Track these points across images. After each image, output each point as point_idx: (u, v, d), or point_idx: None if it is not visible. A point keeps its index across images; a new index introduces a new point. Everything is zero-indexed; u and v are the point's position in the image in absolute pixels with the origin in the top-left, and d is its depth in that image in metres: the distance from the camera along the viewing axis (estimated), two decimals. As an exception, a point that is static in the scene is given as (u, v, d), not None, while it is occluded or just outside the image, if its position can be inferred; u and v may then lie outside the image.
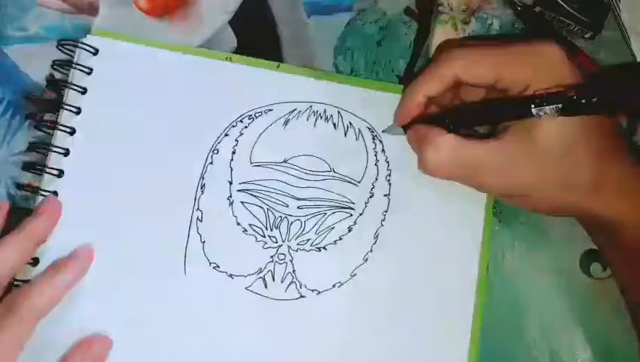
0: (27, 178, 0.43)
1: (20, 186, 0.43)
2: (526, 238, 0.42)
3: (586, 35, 0.44)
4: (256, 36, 0.46)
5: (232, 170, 0.42)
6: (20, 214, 0.41)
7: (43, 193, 0.41)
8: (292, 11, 0.46)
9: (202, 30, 0.45)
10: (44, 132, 0.43)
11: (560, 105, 0.33)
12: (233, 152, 0.42)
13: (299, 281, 0.40)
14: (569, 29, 0.45)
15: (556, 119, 0.34)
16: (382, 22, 0.46)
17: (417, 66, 0.45)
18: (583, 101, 0.33)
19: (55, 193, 0.42)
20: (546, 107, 0.33)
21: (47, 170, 0.42)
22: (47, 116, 0.44)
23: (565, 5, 0.44)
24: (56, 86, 0.43)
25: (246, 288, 0.40)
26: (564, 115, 0.33)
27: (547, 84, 0.34)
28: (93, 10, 0.46)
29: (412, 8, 0.46)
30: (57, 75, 0.44)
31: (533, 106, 0.34)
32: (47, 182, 0.42)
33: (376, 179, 0.42)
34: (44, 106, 0.44)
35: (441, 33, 0.45)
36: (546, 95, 0.34)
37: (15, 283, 0.40)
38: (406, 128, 0.39)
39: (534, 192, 0.36)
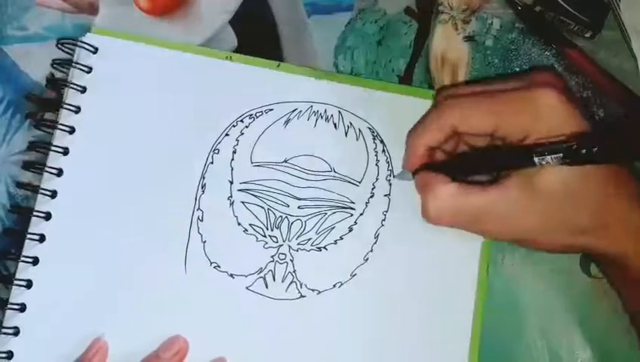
0: (27, 177, 0.43)
1: (19, 185, 0.43)
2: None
3: (586, 35, 0.44)
4: (256, 36, 0.46)
5: (232, 169, 0.42)
6: (20, 213, 0.42)
7: (43, 192, 0.41)
8: (292, 11, 0.46)
9: (202, 30, 0.45)
10: (44, 131, 0.43)
11: (561, 155, 0.33)
12: (234, 152, 0.42)
13: (299, 281, 0.40)
14: (569, 28, 0.45)
15: (558, 166, 0.33)
16: (382, 21, 0.46)
17: (417, 66, 0.45)
18: (584, 151, 0.32)
19: (54, 192, 0.42)
20: (547, 157, 0.33)
21: (47, 169, 0.42)
22: (48, 115, 0.44)
23: (565, 5, 0.44)
24: (56, 85, 0.43)
25: (247, 288, 0.40)
26: (566, 164, 0.33)
27: (547, 132, 0.34)
28: (93, 10, 0.46)
29: (412, 8, 0.46)
30: (57, 74, 0.44)
31: (534, 156, 0.33)
32: (47, 181, 0.42)
33: (377, 179, 0.42)
34: (44, 106, 0.44)
35: (441, 33, 0.45)
36: (547, 144, 0.33)
37: (15, 282, 0.40)
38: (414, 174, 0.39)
39: (540, 236, 0.36)
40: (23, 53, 0.46)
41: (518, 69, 0.44)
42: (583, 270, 0.41)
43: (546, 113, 0.34)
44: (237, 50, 0.45)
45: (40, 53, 0.45)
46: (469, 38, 0.45)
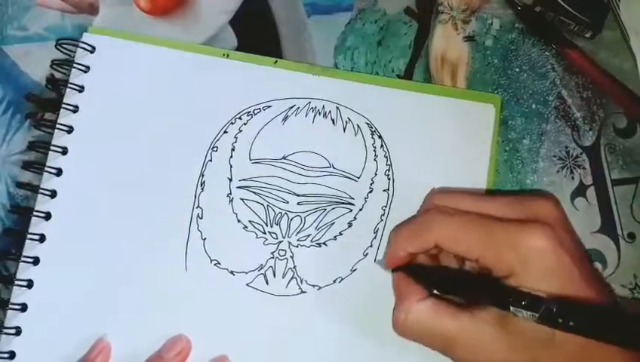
0: (27, 177, 0.43)
1: (19, 185, 0.43)
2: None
3: (586, 35, 0.44)
4: (256, 36, 0.46)
5: (231, 166, 0.42)
6: (20, 213, 0.42)
7: (43, 192, 0.41)
8: (292, 11, 0.46)
9: (202, 30, 0.45)
10: (44, 131, 0.43)
11: (537, 315, 0.31)
12: (232, 149, 0.42)
13: (299, 277, 0.40)
14: (569, 28, 0.45)
15: None
16: (382, 21, 0.46)
17: (417, 66, 0.45)
18: (560, 320, 0.30)
19: (54, 192, 0.42)
20: (523, 311, 0.31)
21: (46, 168, 0.42)
22: (48, 116, 0.44)
23: (565, 5, 0.44)
24: (56, 85, 0.43)
25: (247, 284, 0.40)
26: (541, 324, 0.31)
27: (532, 279, 0.32)
28: (93, 10, 0.46)
29: (412, 8, 0.46)
30: (57, 75, 0.44)
31: (510, 304, 0.32)
32: (46, 181, 0.42)
33: (376, 175, 0.42)
34: (44, 106, 0.44)
35: (441, 33, 0.45)
36: (526, 296, 0.32)
37: (16, 282, 0.40)
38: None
39: None
40: (23, 54, 0.46)
41: (517, 69, 0.44)
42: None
43: (535, 258, 0.32)
44: (237, 51, 0.45)
45: (40, 53, 0.45)
46: (469, 38, 0.45)
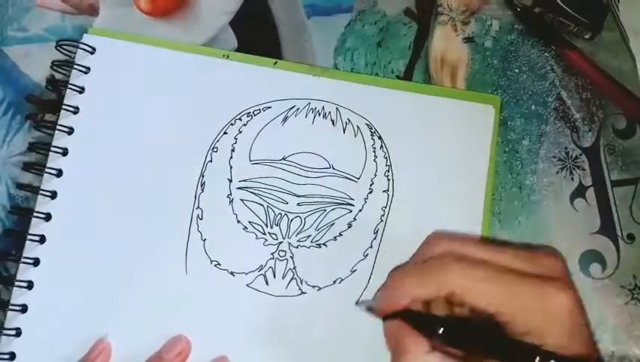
0: (28, 178, 0.43)
1: (20, 186, 0.43)
2: (526, 238, 0.42)
3: (586, 36, 0.44)
4: (256, 37, 0.46)
5: (231, 167, 0.42)
6: (20, 214, 0.42)
7: (43, 193, 0.41)
8: (292, 12, 0.46)
9: (203, 31, 0.45)
10: (44, 132, 0.43)
11: None
12: (232, 150, 0.42)
13: (300, 278, 0.40)
14: (568, 29, 0.45)
15: None
16: (382, 23, 0.46)
17: (417, 67, 0.45)
18: None
19: (54, 193, 0.42)
20: None
21: (47, 170, 0.42)
22: (48, 117, 0.44)
23: (564, 6, 0.44)
24: (56, 86, 0.43)
25: (247, 285, 0.40)
26: None
27: (555, 335, 0.31)
28: (93, 11, 0.46)
29: (412, 9, 0.46)
30: (58, 76, 0.44)
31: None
32: (47, 182, 0.42)
33: (375, 175, 0.42)
34: (44, 107, 0.44)
35: (440, 34, 0.45)
36: (554, 357, 0.30)
37: (16, 283, 0.40)
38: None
39: None
40: (24, 55, 0.46)
41: (517, 70, 0.44)
42: (583, 270, 0.41)
43: (559, 317, 0.31)
44: (237, 52, 0.45)
45: (40, 54, 0.45)
46: (469, 40, 0.45)
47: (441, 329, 0.32)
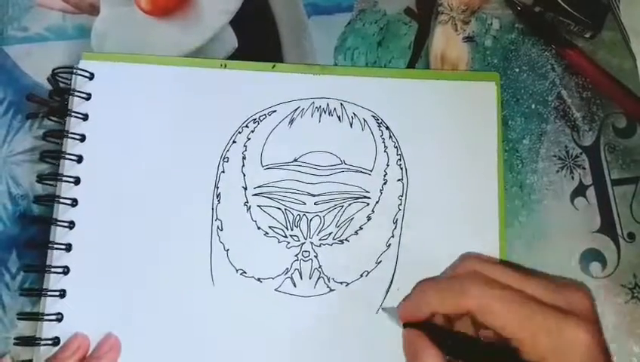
0: (26, 181, 0.43)
1: (37, 199, 0.42)
2: (526, 238, 0.42)
3: (586, 35, 0.45)
4: (256, 36, 0.46)
5: (244, 175, 0.42)
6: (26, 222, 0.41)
7: (60, 224, 0.41)
8: (292, 11, 0.46)
9: (203, 30, 0.45)
10: (49, 163, 0.42)
11: None
12: (243, 158, 0.42)
13: (326, 276, 0.40)
14: (569, 28, 0.45)
15: None
16: (382, 22, 0.46)
17: (417, 66, 0.45)
18: None
19: (72, 223, 0.41)
20: None
21: (61, 200, 0.41)
22: (51, 120, 0.44)
23: (565, 5, 0.44)
24: (60, 92, 0.43)
25: (275, 289, 0.40)
26: None
27: None
28: (94, 10, 0.46)
29: (412, 8, 0.46)
30: (59, 82, 0.44)
31: None
32: (63, 213, 0.41)
33: (388, 165, 0.42)
34: (44, 107, 0.44)
35: (441, 33, 0.45)
36: None
37: (49, 293, 0.40)
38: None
39: None
40: (24, 54, 0.46)
41: (517, 69, 0.44)
42: (583, 270, 0.41)
43: (572, 351, 0.31)
44: (237, 51, 0.45)
45: (41, 53, 0.45)
46: (469, 39, 0.45)
47: (450, 342, 0.33)
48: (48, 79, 0.44)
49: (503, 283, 0.34)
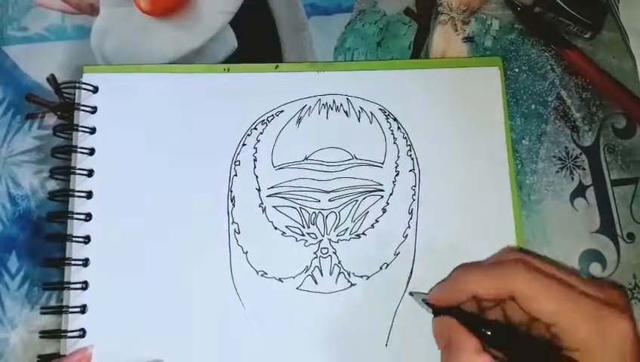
0: (26, 184, 0.43)
1: (50, 216, 0.42)
2: (526, 237, 0.42)
3: (586, 35, 0.45)
4: (256, 37, 0.46)
5: (257, 177, 0.42)
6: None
7: (76, 240, 0.41)
8: (292, 12, 0.46)
9: (203, 30, 0.45)
10: (58, 179, 0.42)
11: None
12: (255, 160, 0.42)
13: (347, 271, 0.40)
14: (568, 29, 0.45)
15: None
16: (382, 22, 0.46)
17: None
18: None
19: (88, 237, 0.41)
20: None
21: (75, 216, 0.41)
22: (51, 119, 0.44)
23: (564, 6, 0.44)
24: (61, 92, 0.43)
25: (297, 288, 0.40)
26: None
27: (606, 359, 0.31)
28: (93, 11, 0.46)
29: (412, 9, 0.46)
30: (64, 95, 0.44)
31: None
32: (77, 227, 0.41)
33: (399, 157, 0.42)
34: (44, 107, 0.44)
35: (440, 33, 0.45)
36: None
37: (70, 310, 0.40)
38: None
39: None
40: (24, 54, 0.46)
41: (517, 69, 0.44)
42: (583, 270, 0.41)
43: (616, 342, 0.31)
44: (237, 51, 0.45)
45: (41, 53, 0.45)
46: (469, 39, 0.45)
47: (490, 332, 0.33)
48: (48, 80, 0.44)
49: (547, 271, 0.33)
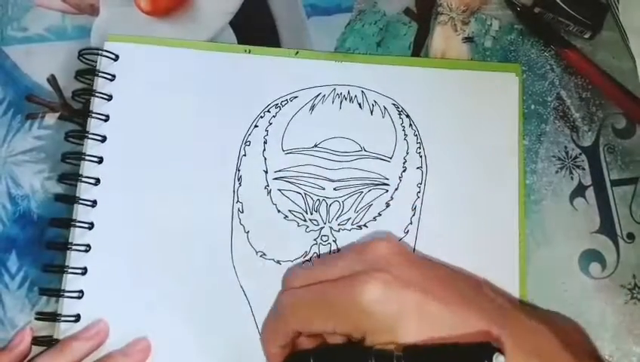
0: (28, 178, 0.43)
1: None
2: (526, 238, 0.42)
3: (585, 36, 0.45)
4: (256, 37, 0.46)
5: (265, 159, 0.42)
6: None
7: (83, 202, 0.41)
8: (292, 12, 0.46)
9: (203, 31, 0.45)
10: (72, 142, 0.43)
11: None
12: (265, 142, 0.43)
13: None
14: (568, 29, 0.45)
15: None
16: (381, 22, 0.46)
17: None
18: None
19: (95, 202, 0.42)
20: None
21: (83, 179, 0.42)
22: (51, 119, 0.44)
23: (564, 6, 0.44)
24: (82, 93, 0.43)
25: None
26: None
27: (379, 333, 0.31)
28: (93, 11, 0.46)
29: (412, 9, 0.46)
30: (60, 80, 0.44)
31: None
32: (85, 191, 0.42)
33: (407, 153, 0.42)
34: (44, 107, 0.44)
35: (440, 34, 0.45)
36: (374, 350, 0.31)
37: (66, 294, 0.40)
38: None
39: None
40: (24, 54, 0.46)
41: (517, 70, 0.45)
42: (583, 270, 0.41)
43: (373, 310, 0.31)
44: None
45: (41, 54, 0.45)
46: (468, 39, 0.45)
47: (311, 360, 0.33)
48: (48, 80, 0.44)
49: (308, 285, 0.34)
